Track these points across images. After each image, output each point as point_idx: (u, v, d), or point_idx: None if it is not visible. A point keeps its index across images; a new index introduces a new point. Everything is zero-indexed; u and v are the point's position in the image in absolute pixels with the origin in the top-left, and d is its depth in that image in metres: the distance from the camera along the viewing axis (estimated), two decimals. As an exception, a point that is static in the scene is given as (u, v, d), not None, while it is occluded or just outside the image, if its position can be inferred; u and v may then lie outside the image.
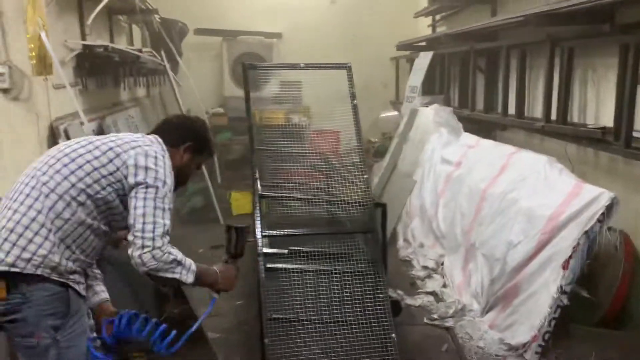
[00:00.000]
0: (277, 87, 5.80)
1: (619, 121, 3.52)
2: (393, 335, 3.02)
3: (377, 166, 7.24)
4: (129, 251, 1.99)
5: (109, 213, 2.10)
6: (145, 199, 2.02)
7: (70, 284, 2.02)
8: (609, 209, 3.26)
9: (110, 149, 2.10)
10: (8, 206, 2.02)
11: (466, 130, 5.60)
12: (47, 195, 1.99)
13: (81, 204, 2.02)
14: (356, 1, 8.61)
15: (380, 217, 3.39)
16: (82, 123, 4.12)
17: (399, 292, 4.43)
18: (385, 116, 8.11)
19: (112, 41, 6.07)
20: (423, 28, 8.00)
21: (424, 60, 6.68)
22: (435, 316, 4.02)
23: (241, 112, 4.83)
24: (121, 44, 6.55)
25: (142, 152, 2.10)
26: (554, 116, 4.26)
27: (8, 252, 1.91)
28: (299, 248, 3.30)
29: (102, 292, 2.39)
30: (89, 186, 2.03)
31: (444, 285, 4.51)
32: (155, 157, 2.10)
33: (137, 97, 7.21)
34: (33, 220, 1.95)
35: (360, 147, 3.73)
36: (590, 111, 4.15)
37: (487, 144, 4.91)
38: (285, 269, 3.27)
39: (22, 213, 1.97)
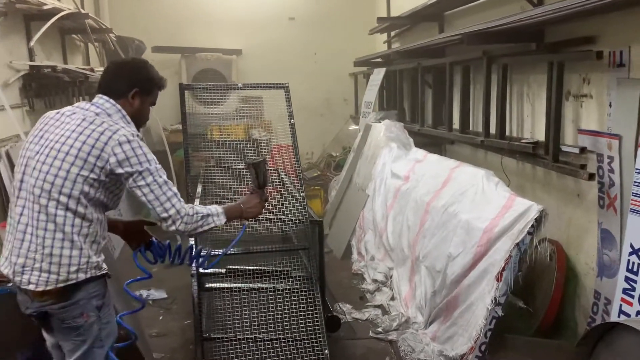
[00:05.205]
0: (237, 103, 5.88)
1: (548, 136, 3.65)
2: (326, 351, 3.06)
3: (335, 180, 7.33)
4: (164, 227, 2.22)
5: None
6: (147, 184, 2.17)
7: (106, 272, 2.28)
8: (539, 221, 3.35)
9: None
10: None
11: (418, 144, 5.71)
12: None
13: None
14: (315, 18, 8.72)
15: (317, 235, 3.44)
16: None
17: (348, 306, 4.48)
18: (351, 129, 8.27)
19: (65, 60, 6.06)
20: (380, 44, 8.14)
21: (377, 76, 6.80)
22: (380, 329, 4.07)
23: (201, 128, 4.86)
24: (76, 63, 6.54)
25: (118, 143, 2.17)
26: (493, 131, 4.39)
27: (58, 271, 2.13)
28: (236, 267, 3.33)
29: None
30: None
31: (392, 298, 4.57)
32: (129, 142, 2.18)
33: (94, 116, 7.17)
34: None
35: (298, 165, 3.77)
36: (527, 126, 4.29)
37: (433, 159, 5.01)
38: (223, 288, 3.29)
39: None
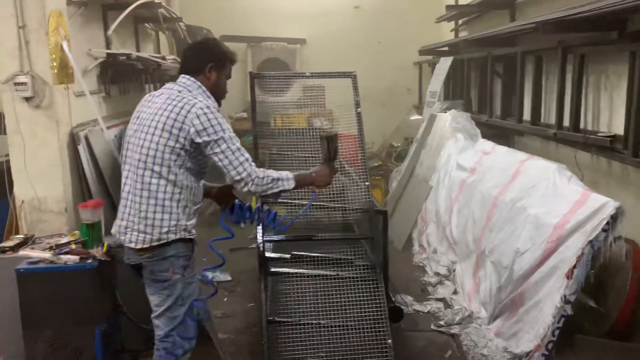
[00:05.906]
0: (300, 91, 5.91)
1: (628, 129, 3.47)
2: (389, 340, 3.07)
3: (397, 170, 7.27)
4: (238, 189, 2.50)
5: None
6: (222, 151, 2.41)
7: (193, 237, 2.57)
8: (614, 218, 3.21)
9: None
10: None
11: (485, 135, 5.56)
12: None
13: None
14: (380, 6, 8.64)
15: (381, 224, 3.43)
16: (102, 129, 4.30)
17: (409, 297, 4.45)
18: (412, 119, 8.15)
19: (138, 49, 6.27)
20: (446, 33, 7.97)
21: (444, 65, 6.67)
22: (442, 322, 4.03)
23: (265, 116, 4.96)
24: (147, 51, 6.76)
25: (196, 116, 2.42)
26: (566, 123, 4.22)
27: (152, 232, 2.46)
28: (301, 253, 3.37)
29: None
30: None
31: (455, 292, 4.51)
32: (205, 114, 2.42)
33: (164, 102, 7.41)
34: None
35: (363, 155, 3.76)
36: (603, 118, 4.09)
37: (501, 151, 4.87)
38: (287, 273, 3.34)
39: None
